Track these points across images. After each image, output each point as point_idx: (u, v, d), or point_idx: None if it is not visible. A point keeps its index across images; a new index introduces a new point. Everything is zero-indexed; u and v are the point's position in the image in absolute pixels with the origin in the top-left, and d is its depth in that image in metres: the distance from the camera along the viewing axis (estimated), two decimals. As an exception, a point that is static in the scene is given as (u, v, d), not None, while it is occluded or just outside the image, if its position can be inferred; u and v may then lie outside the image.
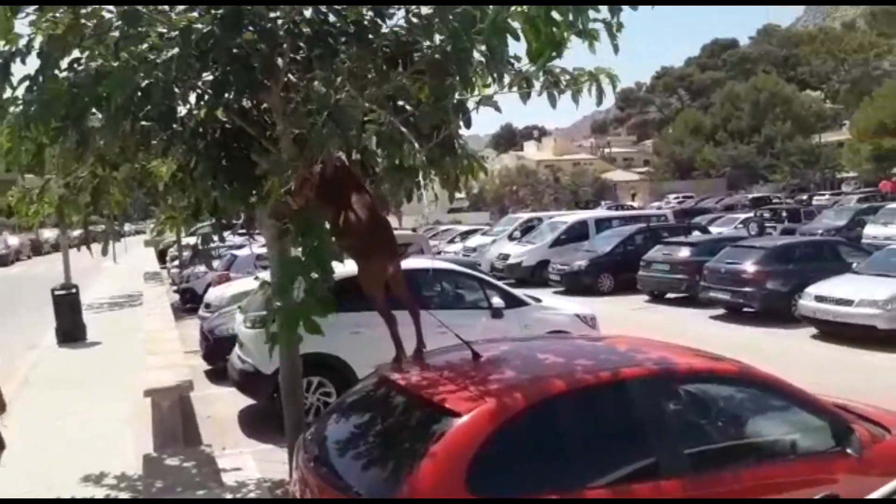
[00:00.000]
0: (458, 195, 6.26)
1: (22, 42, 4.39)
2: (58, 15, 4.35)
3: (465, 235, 29.36)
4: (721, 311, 15.67)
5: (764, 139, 64.29)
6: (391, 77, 4.76)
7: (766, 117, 65.18)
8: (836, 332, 12.47)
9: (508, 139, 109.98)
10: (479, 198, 56.75)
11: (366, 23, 4.82)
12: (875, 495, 2.92)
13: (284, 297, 4.03)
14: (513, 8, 4.36)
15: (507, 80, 5.00)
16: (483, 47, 4.50)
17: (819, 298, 12.84)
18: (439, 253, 24.36)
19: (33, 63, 4.40)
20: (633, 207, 44.77)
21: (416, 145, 4.47)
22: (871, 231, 22.80)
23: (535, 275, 21.75)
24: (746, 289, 14.74)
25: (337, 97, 4.32)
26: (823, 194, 48.26)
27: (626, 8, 4.34)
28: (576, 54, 4.66)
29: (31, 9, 4.31)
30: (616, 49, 4.59)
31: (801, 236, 21.72)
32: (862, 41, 69.24)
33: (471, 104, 5.14)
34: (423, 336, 4.78)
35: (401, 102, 4.93)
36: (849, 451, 4.03)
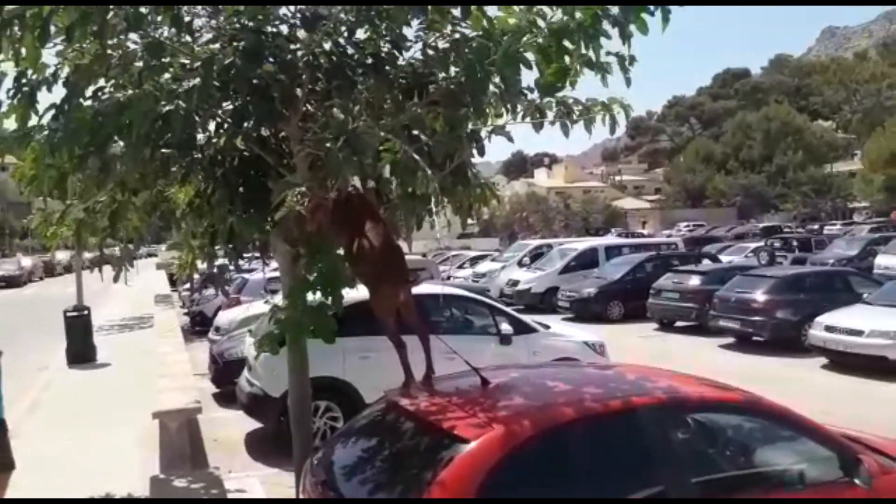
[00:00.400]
0: (468, 221, 6.33)
1: (49, 71, 4.53)
2: (85, 45, 4.48)
3: (475, 261, 29.44)
4: (731, 340, 15.63)
5: (775, 168, 64.35)
6: (407, 107, 4.86)
7: (777, 146, 65.29)
8: (847, 362, 12.44)
9: (519, 166, 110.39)
10: (489, 224, 56.91)
11: (383, 55, 4.95)
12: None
13: (290, 307, 4.13)
14: (525, 38, 4.49)
15: (520, 110, 5.10)
16: (497, 79, 4.60)
17: (829, 328, 12.81)
18: (449, 278, 24.43)
19: (58, 92, 4.54)
20: (643, 235, 44.76)
21: (430, 173, 4.55)
22: (883, 261, 22.73)
23: (544, 301, 21.79)
24: (756, 318, 14.72)
25: (354, 125, 4.42)
26: (835, 224, 48.19)
27: (638, 37, 4.44)
28: (588, 84, 4.75)
29: (58, 39, 4.45)
30: (628, 83, 4.70)
31: (811, 266, 21.68)
32: (874, 71, 69.49)
33: (483, 133, 5.23)
34: (433, 362, 4.84)
35: (416, 132, 5.03)
36: (857, 481, 4.04)
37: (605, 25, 4.29)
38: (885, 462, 4.36)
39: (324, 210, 4.60)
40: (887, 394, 10.96)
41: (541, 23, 4.51)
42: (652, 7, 4.30)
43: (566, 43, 4.40)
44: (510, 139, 5.06)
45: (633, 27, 4.35)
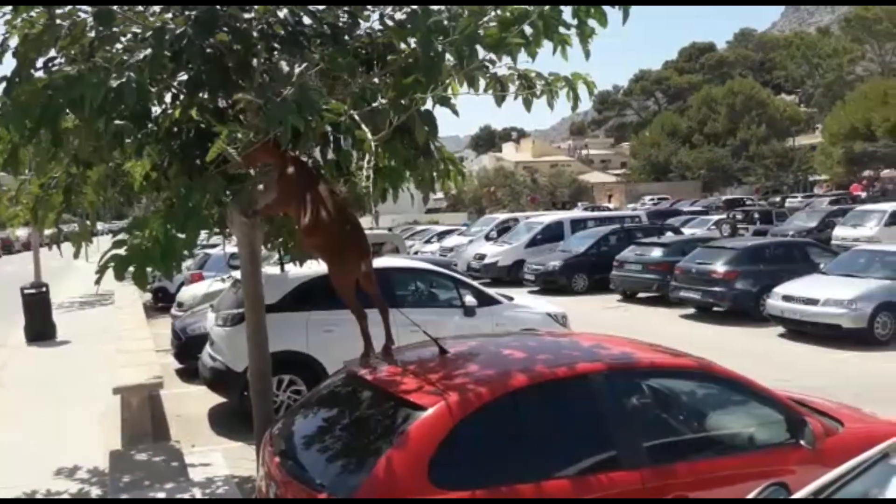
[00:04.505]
0: (436, 196, 6.32)
1: (-4, 41, 4.42)
2: (33, 15, 4.38)
3: (442, 235, 29.47)
4: (691, 311, 15.95)
5: (739, 142, 65.05)
6: (360, 76, 4.83)
7: (741, 120, 65.95)
8: (803, 330, 12.78)
9: (487, 140, 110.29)
10: (457, 198, 56.87)
11: (341, 24, 4.90)
12: (815, 484, 3.08)
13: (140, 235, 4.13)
14: (485, 19, 4.48)
15: (482, 83, 5.09)
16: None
17: (787, 298, 13.12)
18: (416, 253, 24.46)
19: (8, 63, 4.44)
20: (609, 209, 45.15)
21: (369, 135, 4.53)
22: (841, 233, 23.27)
23: (510, 274, 21.94)
24: (716, 288, 15.00)
25: (300, 80, 4.36)
26: (796, 196, 49.01)
27: (606, 10, 4.45)
28: (554, 57, 4.72)
29: (6, 8, 4.34)
30: (587, 55, 4.70)
31: (771, 237, 22.09)
32: (836, 46, 70.18)
33: (428, 104, 5.16)
34: (395, 334, 4.87)
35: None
36: (802, 443, 4.18)
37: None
38: (830, 424, 4.51)
39: (264, 151, 4.53)
40: (841, 360, 11.30)
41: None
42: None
43: (525, 28, 4.40)
44: (455, 112, 5.01)
45: (592, 21, 4.39)
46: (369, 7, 5.09)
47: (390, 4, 5.00)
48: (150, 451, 6.37)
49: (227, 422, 8.60)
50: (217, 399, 9.07)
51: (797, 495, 3.10)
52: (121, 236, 4.45)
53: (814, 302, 12.58)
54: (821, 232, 24.34)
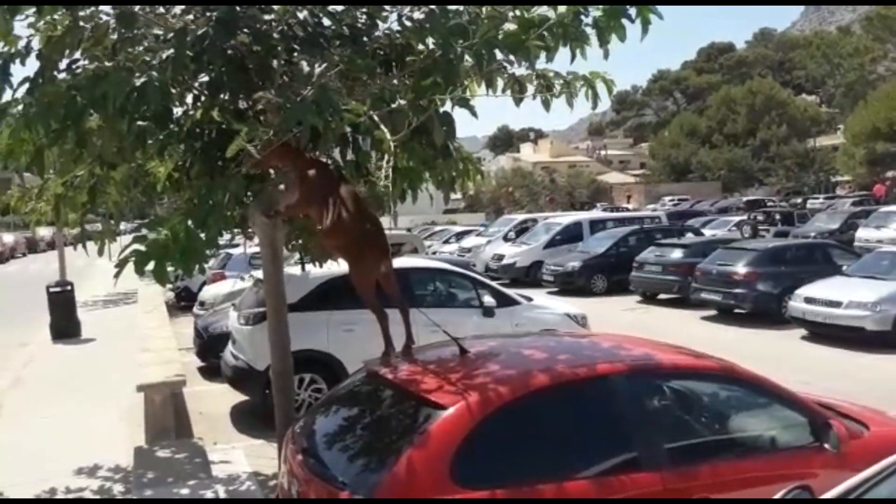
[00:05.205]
0: (454, 196, 6.34)
1: (21, 44, 4.48)
2: (56, 17, 4.43)
3: (461, 236, 29.47)
4: (712, 312, 15.81)
5: (759, 142, 64.44)
6: (379, 77, 4.85)
7: (761, 121, 65.32)
8: (825, 333, 12.62)
9: (505, 141, 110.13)
10: (475, 199, 56.87)
11: (360, 25, 4.92)
12: (842, 487, 3.05)
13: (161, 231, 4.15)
14: (506, 25, 4.50)
15: (500, 83, 5.08)
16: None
17: (809, 300, 12.97)
18: (434, 253, 24.49)
19: (32, 65, 4.50)
20: (628, 210, 44.92)
21: (388, 135, 4.54)
22: (863, 234, 22.95)
23: (529, 275, 21.90)
24: (737, 290, 14.87)
25: (321, 81, 4.39)
26: (818, 198, 48.39)
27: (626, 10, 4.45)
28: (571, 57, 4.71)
29: (30, 10, 4.40)
30: (606, 55, 4.70)
31: (793, 239, 21.87)
32: (857, 46, 69.20)
33: (448, 106, 5.17)
34: (415, 334, 4.88)
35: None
36: (826, 446, 4.14)
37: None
38: (855, 427, 4.46)
39: (282, 153, 4.56)
40: (864, 363, 11.15)
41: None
42: (633, 13, 4.34)
43: (545, 33, 4.41)
44: (474, 114, 5.01)
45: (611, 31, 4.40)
46: (387, 8, 5.11)
47: (409, 4, 5.01)
48: (173, 447, 6.44)
49: (249, 419, 8.66)
50: (239, 397, 9.14)
51: (823, 497, 3.06)
52: (142, 232, 4.49)
53: (836, 304, 12.43)
54: (843, 233, 24.02)
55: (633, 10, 4.42)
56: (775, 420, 4.34)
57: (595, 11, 4.47)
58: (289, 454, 4.25)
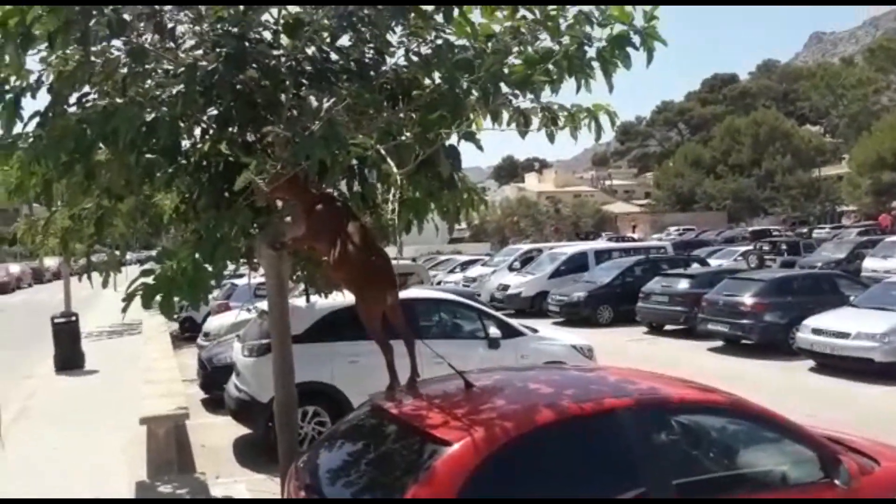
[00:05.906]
0: (459, 226, 6.37)
1: (32, 78, 4.53)
2: (68, 52, 4.49)
3: (465, 266, 29.47)
4: (719, 344, 15.71)
5: (764, 172, 64.56)
6: (386, 111, 4.89)
7: (766, 151, 65.51)
8: (834, 364, 12.52)
9: (510, 171, 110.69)
10: (479, 228, 56.97)
11: (367, 60, 4.98)
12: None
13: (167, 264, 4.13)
14: (511, 59, 4.56)
15: (505, 117, 5.12)
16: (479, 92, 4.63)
17: (817, 331, 12.89)
18: (439, 283, 24.47)
19: (43, 99, 4.55)
20: (633, 239, 44.88)
21: (394, 168, 4.57)
22: (870, 264, 22.86)
23: (534, 305, 21.86)
24: (744, 321, 14.79)
25: (328, 115, 4.43)
26: (823, 227, 48.31)
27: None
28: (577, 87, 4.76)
29: (42, 45, 4.46)
30: (611, 88, 4.74)
31: (799, 269, 21.80)
32: (860, 77, 69.68)
33: (454, 139, 5.21)
34: (420, 366, 4.85)
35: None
36: (837, 482, 4.08)
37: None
38: (865, 462, 4.40)
39: (290, 186, 4.58)
40: (873, 395, 11.04)
41: (523, 30, 4.59)
42: (637, 42, 4.40)
43: (550, 67, 4.47)
44: (479, 147, 5.04)
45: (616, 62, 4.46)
46: (394, 43, 5.17)
47: (415, 37, 5.07)
48: (174, 482, 6.36)
49: (252, 453, 8.59)
50: (242, 430, 9.08)
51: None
52: (149, 265, 4.50)
53: (845, 335, 12.34)
54: (850, 263, 23.93)
55: (637, 39, 4.48)
56: (785, 455, 4.28)
57: (599, 42, 4.53)
58: (292, 490, 4.20)
